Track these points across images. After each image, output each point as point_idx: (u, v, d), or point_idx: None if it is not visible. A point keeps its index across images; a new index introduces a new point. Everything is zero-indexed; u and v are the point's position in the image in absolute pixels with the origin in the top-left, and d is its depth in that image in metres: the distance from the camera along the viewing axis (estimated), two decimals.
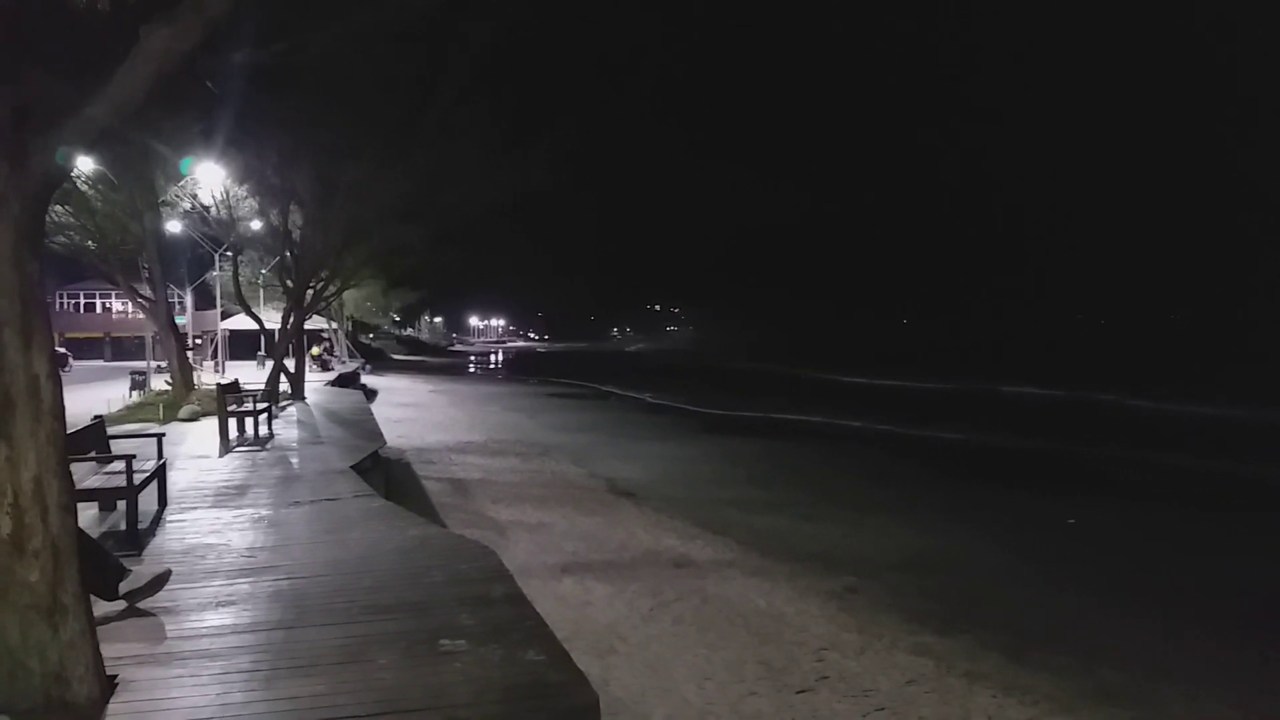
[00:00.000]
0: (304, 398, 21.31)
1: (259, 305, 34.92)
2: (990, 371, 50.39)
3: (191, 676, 3.94)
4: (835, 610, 8.46)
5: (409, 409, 28.75)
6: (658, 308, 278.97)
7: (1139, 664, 7.36)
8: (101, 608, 4.66)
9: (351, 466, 10.62)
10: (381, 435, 14.80)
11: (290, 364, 21.97)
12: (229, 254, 26.99)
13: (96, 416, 8.80)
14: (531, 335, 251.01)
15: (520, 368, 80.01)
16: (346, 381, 31.81)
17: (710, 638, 7.47)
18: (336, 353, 49.22)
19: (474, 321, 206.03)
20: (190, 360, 23.56)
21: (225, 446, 12.57)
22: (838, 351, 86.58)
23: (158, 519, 7.60)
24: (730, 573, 9.68)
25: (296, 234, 21.47)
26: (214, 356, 37.13)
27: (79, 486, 7.07)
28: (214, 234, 25.27)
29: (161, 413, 16.67)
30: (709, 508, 13.73)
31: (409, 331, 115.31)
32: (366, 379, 40.47)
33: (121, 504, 7.16)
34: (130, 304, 30.47)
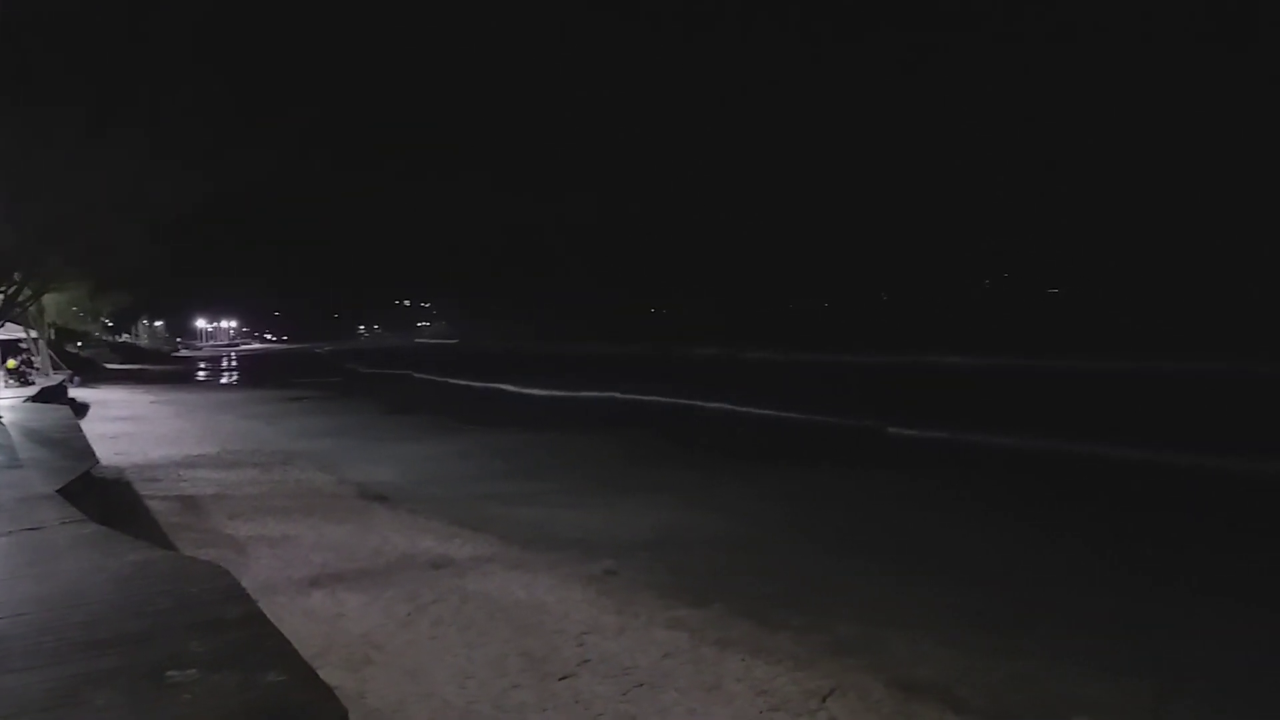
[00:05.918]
0: None
1: None
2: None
3: None
4: (595, 594, 8.62)
5: (127, 423, 26.11)
6: (407, 303, 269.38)
7: (871, 617, 8.09)
8: None
9: (58, 490, 9.46)
10: (93, 454, 13.31)
11: None
12: None
13: None
14: (269, 336, 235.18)
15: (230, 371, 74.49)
16: (50, 396, 28.34)
17: (471, 636, 7.37)
18: (37, 365, 43.85)
19: (202, 324, 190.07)
20: None
21: None
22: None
23: None
24: (490, 568, 9.60)
25: None
26: None
27: None
28: None
29: None
30: (467, 505, 13.54)
31: (125, 338, 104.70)
32: (75, 392, 36.55)
33: None
34: None
